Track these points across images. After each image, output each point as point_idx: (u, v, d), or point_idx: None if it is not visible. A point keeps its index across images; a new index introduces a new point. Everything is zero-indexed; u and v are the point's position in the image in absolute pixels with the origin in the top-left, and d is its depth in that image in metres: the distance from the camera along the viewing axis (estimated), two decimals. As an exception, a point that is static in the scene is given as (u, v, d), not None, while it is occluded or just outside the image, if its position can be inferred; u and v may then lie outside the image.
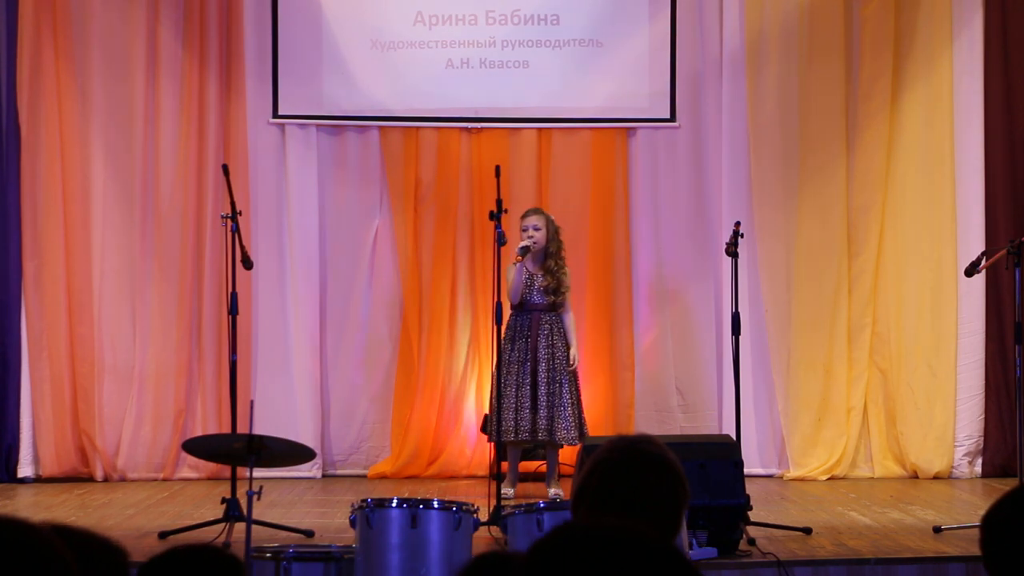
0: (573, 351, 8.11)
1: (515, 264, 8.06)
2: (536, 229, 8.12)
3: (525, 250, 8.00)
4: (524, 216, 8.21)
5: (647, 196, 9.33)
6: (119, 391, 8.93)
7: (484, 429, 8.30)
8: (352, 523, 5.19)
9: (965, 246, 8.94)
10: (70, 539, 2.06)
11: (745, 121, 9.18)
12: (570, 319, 8.21)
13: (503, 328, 7.79)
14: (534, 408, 7.98)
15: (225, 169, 7.14)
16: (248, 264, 7.02)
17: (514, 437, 7.99)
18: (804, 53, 9.16)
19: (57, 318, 8.85)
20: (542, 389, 8.00)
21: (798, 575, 6.08)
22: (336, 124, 9.27)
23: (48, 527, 2.04)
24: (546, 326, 8.09)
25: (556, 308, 8.14)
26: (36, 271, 8.86)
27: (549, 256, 8.17)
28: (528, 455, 8.45)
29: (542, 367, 8.03)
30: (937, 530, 6.82)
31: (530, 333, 8.07)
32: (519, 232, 8.18)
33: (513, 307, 8.13)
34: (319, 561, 5.06)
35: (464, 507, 5.18)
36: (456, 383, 9.15)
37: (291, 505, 7.84)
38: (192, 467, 8.89)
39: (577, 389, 8.14)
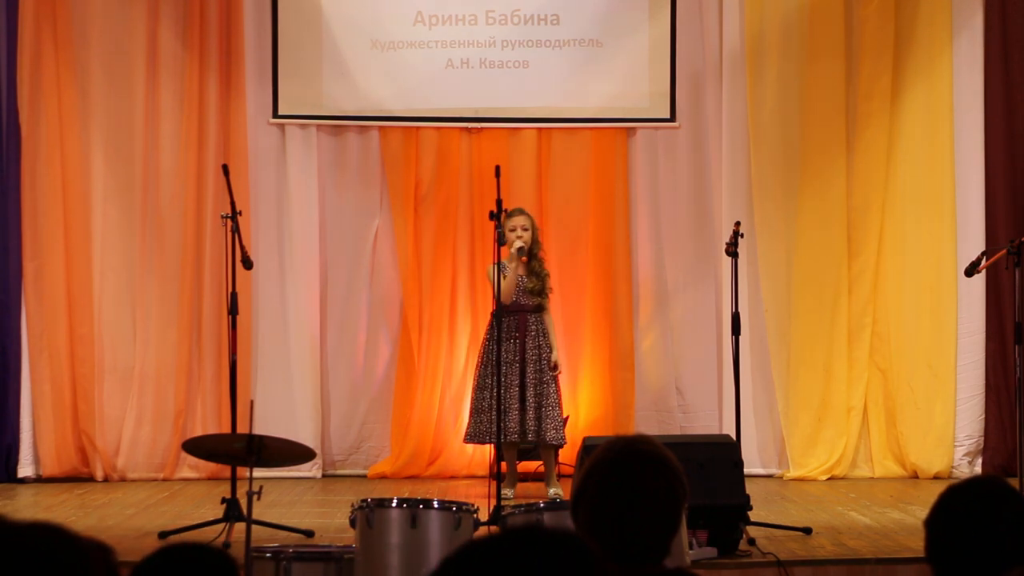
0: (555, 354, 8.11)
1: (494, 265, 8.08)
2: (524, 229, 8.11)
3: (522, 250, 8.00)
4: (509, 216, 8.08)
5: (647, 196, 9.33)
6: (119, 391, 8.93)
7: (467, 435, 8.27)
8: (352, 523, 5.18)
9: (965, 246, 8.93)
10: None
11: (745, 121, 9.18)
12: (551, 320, 8.22)
13: (486, 329, 7.80)
14: (523, 409, 7.98)
15: (225, 169, 7.14)
16: (248, 264, 7.02)
17: (503, 438, 7.99)
18: (804, 53, 9.16)
19: (57, 318, 8.85)
20: (530, 391, 8.01)
21: (798, 575, 6.08)
22: (336, 124, 9.27)
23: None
24: (533, 327, 8.10)
25: (541, 309, 8.15)
26: (36, 271, 8.86)
27: (533, 257, 8.16)
28: (527, 455, 8.45)
29: (530, 368, 8.03)
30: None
31: (518, 334, 8.07)
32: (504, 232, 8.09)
33: (499, 308, 8.10)
34: (319, 561, 5.06)
35: (464, 507, 5.18)
36: (456, 383, 9.15)
37: (291, 505, 7.84)
38: (192, 467, 8.89)
39: (559, 390, 8.16)
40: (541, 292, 8.14)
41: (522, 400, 7.98)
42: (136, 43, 8.99)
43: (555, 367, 8.08)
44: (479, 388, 8.09)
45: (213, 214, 8.83)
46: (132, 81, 8.99)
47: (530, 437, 8.00)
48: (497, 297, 7.41)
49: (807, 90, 9.15)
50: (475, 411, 8.11)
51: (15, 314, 8.88)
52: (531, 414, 7.97)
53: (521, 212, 8.22)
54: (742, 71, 9.19)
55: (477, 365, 8.22)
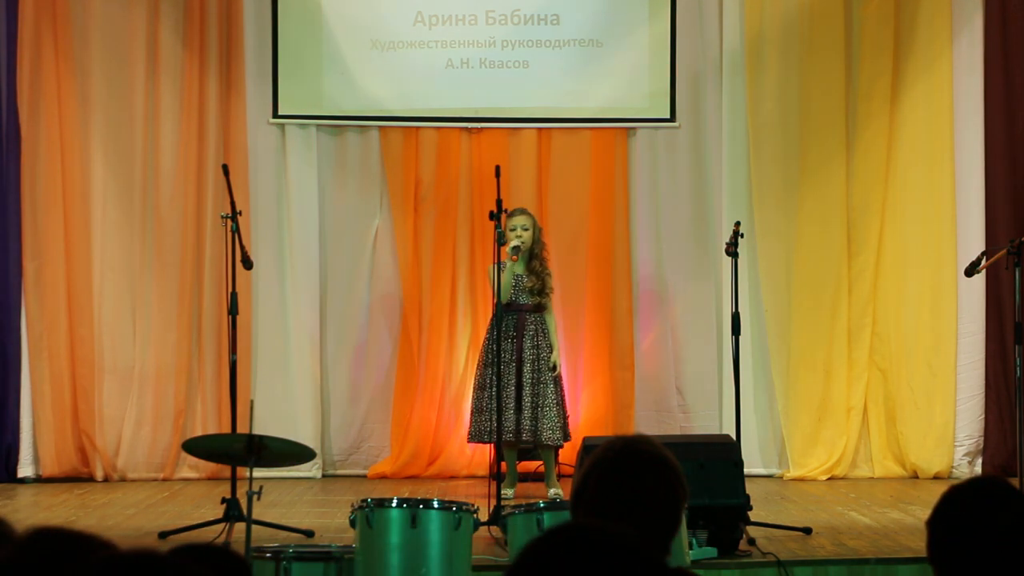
0: (555, 355, 8.11)
1: (494, 265, 8.09)
2: (524, 229, 8.14)
3: (517, 249, 8.02)
4: (511, 216, 8.16)
5: (647, 196, 9.33)
6: (119, 391, 8.93)
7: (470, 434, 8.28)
8: (352, 523, 5.19)
9: (965, 246, 8.93)
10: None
11: (745, 121, 9.18)
12: (553, 320, 8.23)
13: (486, 328, 7.81)
14: (518, 409, 7.98)
15: (225, 169, 7.14)
16: (248, 264, 7.02)
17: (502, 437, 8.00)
18: (804, 53, 9.16)
19: (57, 318, 8.85)
20: (526, 390, 8.01)
21: (798, 575, 6.08)
22: (336, 124, 9.27)
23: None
24: (531, 327, 8.11)
25: (540, 309, 8.15)
26: (36, 271, 8.86)
27: (534, 257, 8.19)
28: (527, 455, 8.45)
29: (527, 368, 8.04)
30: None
31: (515, 333, 8.08)
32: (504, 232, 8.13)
33: (499, 307, 8.11)
34: (319, 561, 5.06)
35: (464, 507, 5.18)
36: (456, 383, 9.15)
37: (291, 505, 7.84)
38: (192, 467, 8.89)
39: (561, 390, 8.15)
40: (541, 292, 8.15)
41: (518, 400, 7.98)
42: (136, 43, 8.99)
43: (553, 367, 8.08)
44: (479, 387, 8.12)
45: (213, 214, 8.83)
46: (132, 81, 8.99)
47: (525, 437, 8.00)
48: (497, 295, 7.42)
49: (807, 90, 9.15)
50: (475, 411, 8.14)
51: (15, 314, 8.88)
52: (527, 414, 7.98)
53: (522, 212, 8.25)
54: (742, 71, 9.19)
55: (478, 365, 8.23)
